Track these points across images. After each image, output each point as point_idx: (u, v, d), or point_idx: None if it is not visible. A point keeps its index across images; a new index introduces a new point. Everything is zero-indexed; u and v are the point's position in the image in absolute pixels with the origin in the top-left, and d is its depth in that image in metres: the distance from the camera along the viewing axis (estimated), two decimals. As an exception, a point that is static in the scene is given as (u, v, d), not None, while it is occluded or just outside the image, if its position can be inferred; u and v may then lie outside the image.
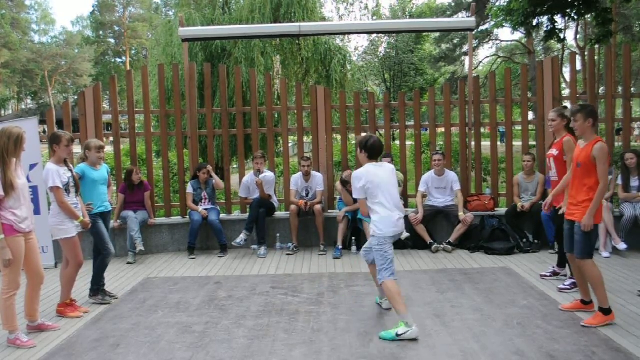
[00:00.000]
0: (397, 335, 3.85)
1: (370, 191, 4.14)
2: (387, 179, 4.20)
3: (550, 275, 5.39)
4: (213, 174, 7.18)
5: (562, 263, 5.34)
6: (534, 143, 7.73)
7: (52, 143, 4.60)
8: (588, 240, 4.07)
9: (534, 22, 10.37)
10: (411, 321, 3.92)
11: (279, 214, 7.52)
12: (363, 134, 4.54)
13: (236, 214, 7.63)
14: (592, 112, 4.14)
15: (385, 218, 4.11)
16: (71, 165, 4.75)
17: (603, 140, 4.09)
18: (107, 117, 7.86)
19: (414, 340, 3.83)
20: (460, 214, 6.82)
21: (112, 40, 53.78)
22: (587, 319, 4.09)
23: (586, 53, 18.56)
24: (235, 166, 12.18)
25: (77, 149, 7.17)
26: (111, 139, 7.66)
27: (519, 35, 27.46)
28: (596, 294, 4.09)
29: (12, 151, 3.89)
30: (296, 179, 7.21)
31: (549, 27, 10.35)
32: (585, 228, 4.04)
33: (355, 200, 6.84)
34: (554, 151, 4.96)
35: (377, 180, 4.13)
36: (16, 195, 3.90)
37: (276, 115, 10.70)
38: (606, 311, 4.04)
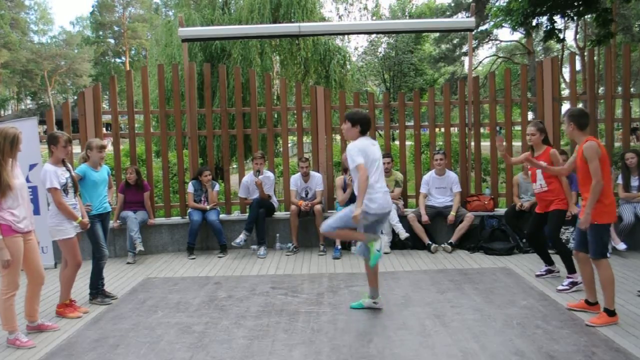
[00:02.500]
0: (377, 250, 4.32)
1: (370, 161, 4.22)
2: (379, 157, 4.35)
3: (545, 273, 5.42)
4: (209, 188, 7.14)
5: (549, 260, 5.43)
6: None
7: (50, 144, 4.60)
8: (600, 240, 4.09)
9: (534, 22, 10.36)
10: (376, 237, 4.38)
11: (279, 214, 7.52)
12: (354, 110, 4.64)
13: (236, 214, 7.62)
14: (572, 116, 4.21)
15: (376, 198, 4.22)
16: (70, 166, 4.75)
17: (594, 139, 4.11)
18: (106, 118, 7.86)
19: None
20: (452, 213, 6.83)
21: (112, 41, 53.75)
22: (592, 318, 4.10)
23: (586, 53, 18.58)
24: (234, 166, 12.18)
25: (76, 149, 7.17)
26: (108, 139, 7.65)
27: (518, 35, 27.48)
28: (604, 295, 4.10)
29: (7, 152, 3.89)
30: (296, 179, 7.21)
31: (549, 27, 10.35)
32: (581, 225, 4.14)
33: (350, 200, 6.85)
34: (541, 163, 4.95)
35: (372, 156, 4.25)
36: (14, 195, 3.90)
37: (276, 116, 10.70)
38: (611, 313, 4.05)
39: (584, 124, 4.21)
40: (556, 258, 5.40)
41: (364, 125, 4.33)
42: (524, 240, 6.63)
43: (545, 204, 5.12)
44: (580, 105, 7.46)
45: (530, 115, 13.29)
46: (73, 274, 4.72)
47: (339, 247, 6.70)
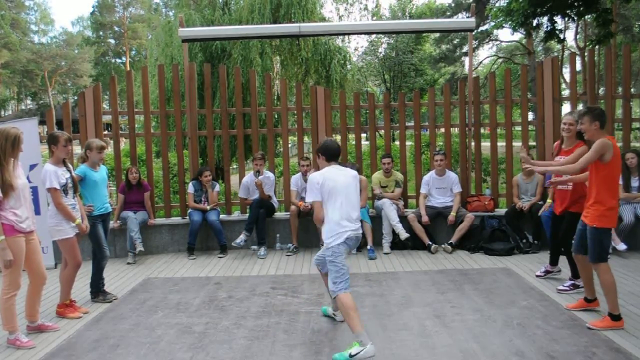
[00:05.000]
0: (351, 356, 3.46)
1: (327, 194, 3.85)
2: (346, 185, 3.90)
3: (544, 274, 5.41)
4: (209, 189, 7.13)
5: (554, 261, 5.37)
6: (534, 143, 7.72)
7: (50, 143, 4.59)
8: (599, 244, 4.00)
9: (534, 23, 10.35)
10: (366, 339, 3.53)
11: (279, 214, 7.52)
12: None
13: (236, 215, 7.62)
14: (599, 114, 4.04)
15: (334, 227, 3.84)
16: (70, 166, 4.74)
17: (608, 137, 3.98)
18: (107, 118, 7.86)
19: (371, 357, 3.48)
20: (453, 214, 6.84)
21: (112, 41, 53.76)
22: (594, 321, 4.07)
23: (586, 53, 18.57)
24: (235, 167, 12.18)
25: (77, 149, 7.18)
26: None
27: (518, 35, 27.48)
28: (607, 300, 4.05)
29: (9, 152, 3.89)
30: (296, 179, 7.21)
31: (549, 28, 10.34)
32: (526, 168, 4.52)
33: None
34: (547, 168, 4.80)
35: (333, 184, 3.85)
36: (16, 195, 3.90)
37: (276, 116, 10.70)
38: (616, 317, 4.00)
39: (605, 122, 4.09)
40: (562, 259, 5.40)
41: (326, 153, 3.97)
42: (524, 241, 6.63)
43: (566, 203, 4.80)
44: (580, 106, 7.45)
45: (530, 116, 13.28)
46: (73, 274, 4.71)
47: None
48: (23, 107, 49.68)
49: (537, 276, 5.45)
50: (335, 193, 3.86)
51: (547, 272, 5.42)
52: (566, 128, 4.78)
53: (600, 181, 3.99)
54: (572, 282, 4.94)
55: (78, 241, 4.73)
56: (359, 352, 3.45)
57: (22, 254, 3.94)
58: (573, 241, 4.42)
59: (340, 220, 3.85)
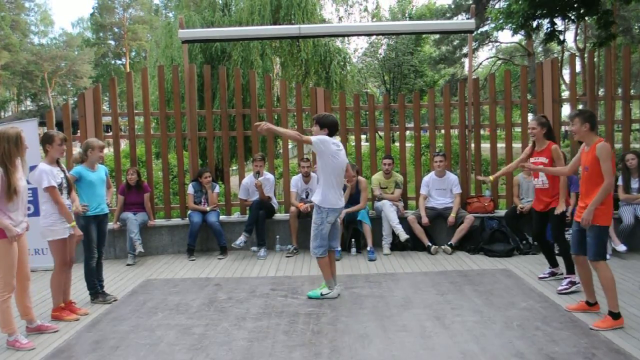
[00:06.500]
0: (322, 294, 4.87)
1: (336, 161, 4.68)
2: (343, 164, 4.80)
3: (548, 276, 5.40)
4: (209, 190, 7.12)
5: (554, 262, 5.39)
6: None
7: (45, 143, 4.51)
8: (601, 242, 4.08)
9: (534, 25, 10.35)
10: (332, 286, 4.92)
11: (279, 215, 7.52)
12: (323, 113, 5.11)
13: (236, 216, 7.62)
14: (590, 116, 4.19)
15: (334, 196, 4.73)
16: (64, 166, 4.68)
17: (604, 141, 4.14)
18: (106, 119, 7.87)
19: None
20: (452, 215, 6.83)
21: (112, 42, 53.77)
22: (596, 322, 4.08)
23: (586, 55, 18.58)
24: (234, 168, 12.18)
25: (77, 149, 7.18)
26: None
27: (518, 37, 27.45)
28: (607, 297, 4.08)
29: (14, 153, 3.87)
30: (296, 180, 7.21)
31: (549, 29, 10.34)
32: (584, 223, 4.09)
33: (353, 201, 6.85)
34: (543, 159, 5.00)
35: (343, 159, 4.80)
36: (16, 199, 3.89)
37: (276, 117, 10.70)
38: (616, 315, 4.03)
39: (596, 124, 4.26)
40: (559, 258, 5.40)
41: (331, 128, 4.77)
42: (524, 242, 6.63)
43: (545, 202, 5.11)
44: (581, 107, 7.46)
45: (530, 117, 13.28)
46: (61, 276, 4.63)
47: (339, 248, 6.68)
48: (23, 109, 49.66)
49: (539, 278, 5.43)
50: (340, 167, 4.74)
51: (552, 273, 5.41)
52: (530, 132, 5.14)
53: (602, 181, 4.05)
54: (569, 279, 4.96)
55: (76, 244, 4.70)
56: (328, 293, 4.88)
57: (15, 256, 3.92)
58: (570, 241, 4.46)
59: (336, 193, 4.73)
